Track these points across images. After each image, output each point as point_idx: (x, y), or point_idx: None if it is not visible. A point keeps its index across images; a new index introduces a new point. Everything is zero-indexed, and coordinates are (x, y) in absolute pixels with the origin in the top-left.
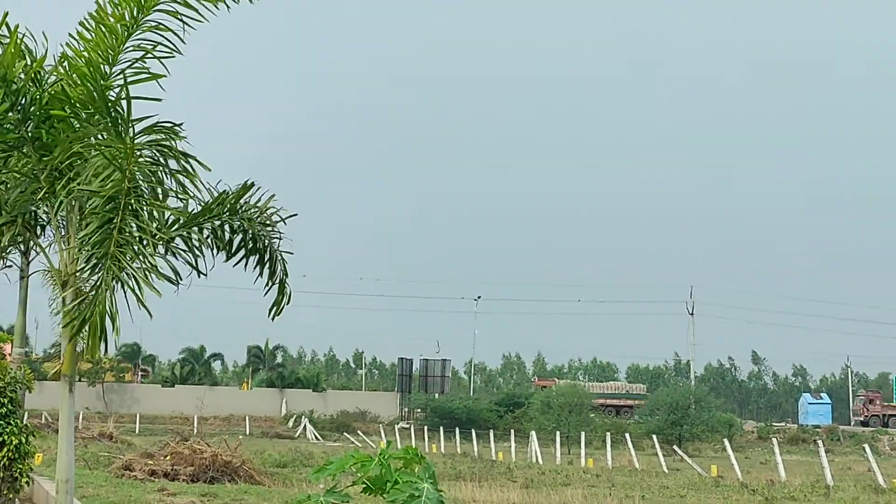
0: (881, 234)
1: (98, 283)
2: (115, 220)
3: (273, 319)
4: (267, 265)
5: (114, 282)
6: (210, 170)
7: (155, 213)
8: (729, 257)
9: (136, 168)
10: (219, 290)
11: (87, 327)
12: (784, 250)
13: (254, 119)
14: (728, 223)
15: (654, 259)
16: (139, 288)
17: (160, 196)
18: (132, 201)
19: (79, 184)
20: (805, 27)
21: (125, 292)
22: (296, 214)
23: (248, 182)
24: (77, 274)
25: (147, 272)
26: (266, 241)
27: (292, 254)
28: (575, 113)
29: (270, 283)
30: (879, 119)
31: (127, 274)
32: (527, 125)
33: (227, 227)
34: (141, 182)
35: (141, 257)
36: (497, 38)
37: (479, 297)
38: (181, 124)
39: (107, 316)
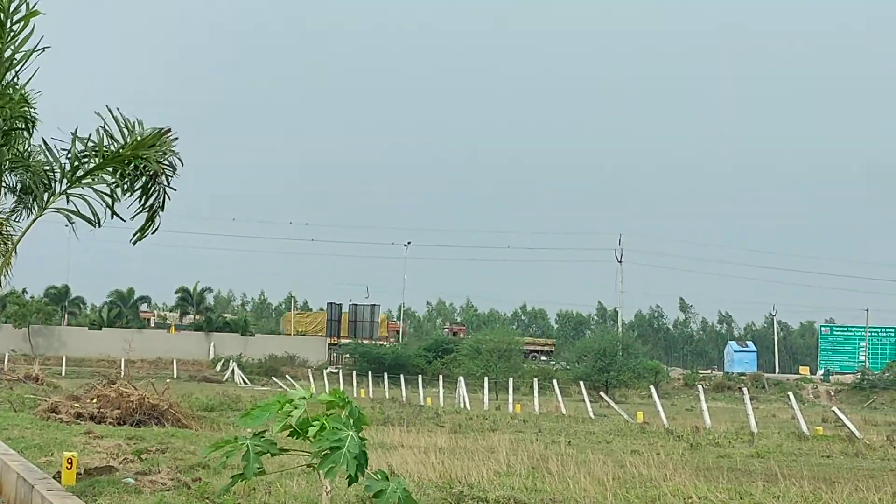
0: (809, 184)
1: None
2: None
3: (134, 245)
4: (145, 196)
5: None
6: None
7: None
8: (658, 205)
9: None
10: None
11: None
12: (713, 199)
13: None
14: (658, 172)
15: (584, 207)
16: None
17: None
18: None
19: None
20: None
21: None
22: (177, 153)
23: (165, 129)
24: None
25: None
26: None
27: (175, 190)
28: (510, 64)
29: (142, 210)
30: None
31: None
32: (458, 74)
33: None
34: None
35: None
36: None
37: (408, 243)
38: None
39: None
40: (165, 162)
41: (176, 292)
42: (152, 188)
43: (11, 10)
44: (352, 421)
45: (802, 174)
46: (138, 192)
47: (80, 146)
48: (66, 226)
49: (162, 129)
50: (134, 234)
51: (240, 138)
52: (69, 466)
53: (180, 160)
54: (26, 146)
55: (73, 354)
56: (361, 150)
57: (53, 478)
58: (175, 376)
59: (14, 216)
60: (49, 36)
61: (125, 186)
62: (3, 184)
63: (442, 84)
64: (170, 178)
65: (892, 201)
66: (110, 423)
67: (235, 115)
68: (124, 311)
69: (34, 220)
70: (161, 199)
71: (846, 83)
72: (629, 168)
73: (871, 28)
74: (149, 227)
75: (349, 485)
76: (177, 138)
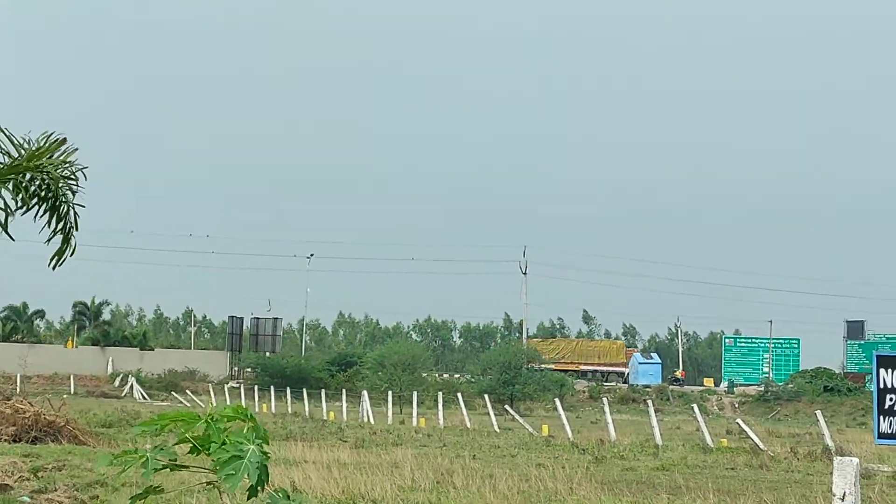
0: (710, 194)
1: None
2: None
3: (53, 269)
4: (56, 217)
5: None
6: None
7: None
8: (562, 217)
9: None
10: (40, 245)
11: None
12: (616, 211)
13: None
14: (561, 184)
15: (489, 219)
16: None
17: None
18: None
19: None
20: None
21: None
22: (87, 167)
23: (62, 138)
24: None
25: None
26: (62, 194)
27: (84, 206)
28: (421, 71)
29: (55, 233)
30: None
31: None
32: (363, 81)
33: (29, 182)
34: None
35: None
36: None
37: (311, 255)
38: None
39: None
40: (66, 173)
41: (73, 306)
42: (61, 207)
43: None
44: (255, 435)
45: (705, 186)
46: (45, 214)
47: None
48: None
49: (57, 138)
50: (51, 259)
51: (136, 148)
52: None
53: (83, 174)
54: None
55: None
56: (263, 160)
57: None
58: (72, 392)
59: None
60: None
61: (22, 201)
62: None
63: (345, 90)
64: (74, 191)
65: (795, 213)
66: (5, 440)
67: (132, 121)
68: (20, 325)
69: None
70: (74, 218)
71: (748, 97)
72: (533, 178)
73: (781, 41)
74: (66, 248)
75: (248, 498)
76: (77, 149)
